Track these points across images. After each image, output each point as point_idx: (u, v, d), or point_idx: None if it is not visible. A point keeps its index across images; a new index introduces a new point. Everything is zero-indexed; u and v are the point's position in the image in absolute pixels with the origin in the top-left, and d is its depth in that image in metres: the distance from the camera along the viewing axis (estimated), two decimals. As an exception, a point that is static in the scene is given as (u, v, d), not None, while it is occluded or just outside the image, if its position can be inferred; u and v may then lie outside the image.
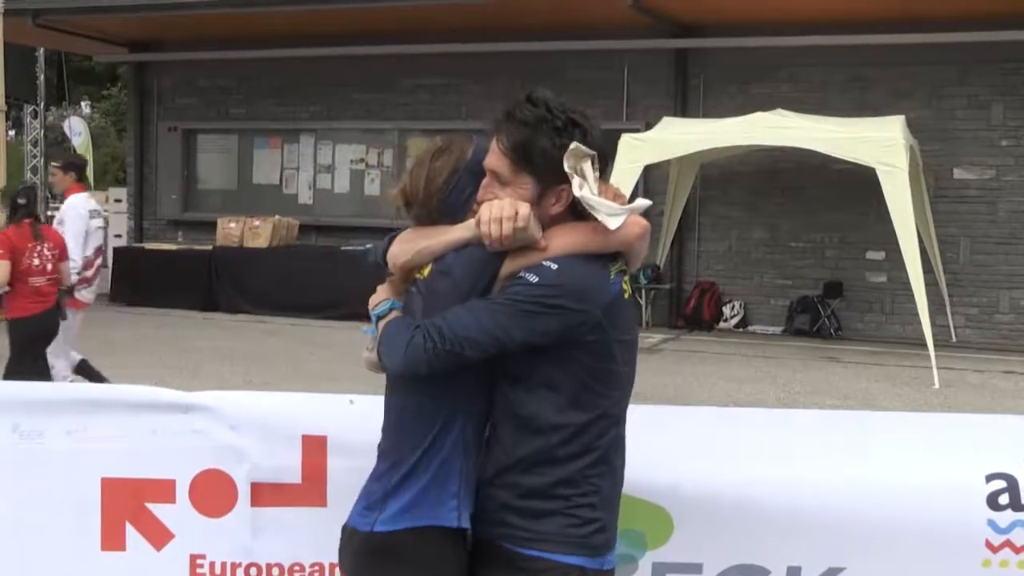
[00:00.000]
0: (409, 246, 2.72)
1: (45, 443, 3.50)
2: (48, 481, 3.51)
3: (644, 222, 2.69)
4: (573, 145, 2.57)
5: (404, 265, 2.72)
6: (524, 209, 2.55)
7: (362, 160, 17.31)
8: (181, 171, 18.25)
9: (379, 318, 2.73)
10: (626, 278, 2.68)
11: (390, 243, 2.80)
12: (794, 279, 15.01)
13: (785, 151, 13.59)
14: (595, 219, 2.62)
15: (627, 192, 2.80)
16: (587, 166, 2.59)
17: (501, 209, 2.55)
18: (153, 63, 18.55)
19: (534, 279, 2.55)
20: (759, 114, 12.63)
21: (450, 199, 2.72)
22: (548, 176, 2.59)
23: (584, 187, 2.59)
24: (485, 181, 2.67)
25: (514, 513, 2.63)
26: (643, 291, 14.70)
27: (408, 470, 2.67)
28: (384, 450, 2.76)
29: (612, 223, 2.60)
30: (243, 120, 18.04)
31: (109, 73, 35.34)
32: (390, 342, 2.65)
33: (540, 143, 2.57)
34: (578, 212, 2.65)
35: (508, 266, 2.60)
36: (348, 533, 2.77)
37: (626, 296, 2.67)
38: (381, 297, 2.78)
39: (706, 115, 14.72)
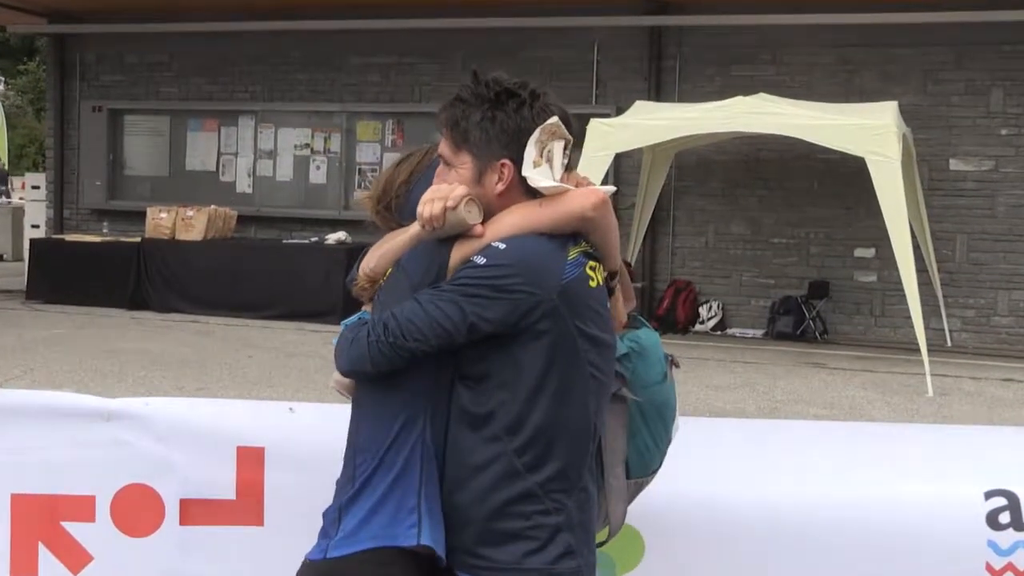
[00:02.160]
0: (375, 253, 2.82)
1: (-52, 455, 3.45)
2: (-49, 497, 3.46)
3: (601, 192, 2.69)
4: (552, 119, 2.64)
5: (369, 274, 2.80)
6: (459, 191, 2.61)
7: (307, 145, 17.22)
8: (106, 155, 18.08)
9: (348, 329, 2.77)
10: (593, 264, 2.67)
11: (363, 257, 2.89)
12: (776, 278, 15.08)
13: (767, 139, 13.64)
14: None
15: (596, 183, 2.81)
16: (557, 148, 2.64)
17: (436, 191, 2.63)
18: (75, 35, 18.35)
19: (481, 261, 2.59)
20: (739, 98, 12.65)
21: (411, 197, 2.82)
22: (486, 152, 2.64)
23: (540, 168, 2.62)
24: (439, 169, 2.74)
25: (471, 537, 2.61)
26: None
27: (362, 483, 2.64)
28: (343, 465, 2.73)
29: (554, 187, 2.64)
30: (175, 100, 17.90)
31: (26, 46, 35.01)
32: (340, 344, 2.70)
33: (473, 116, 2.64)
34: (535, 197, 2.68)
35: (456, 254, 2.64)
36: (303, 565, 2.71)
37: (593, 284, 2.65)
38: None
39: (682, 99, 14.75)
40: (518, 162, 2.62)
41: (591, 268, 2.65)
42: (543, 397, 2.58)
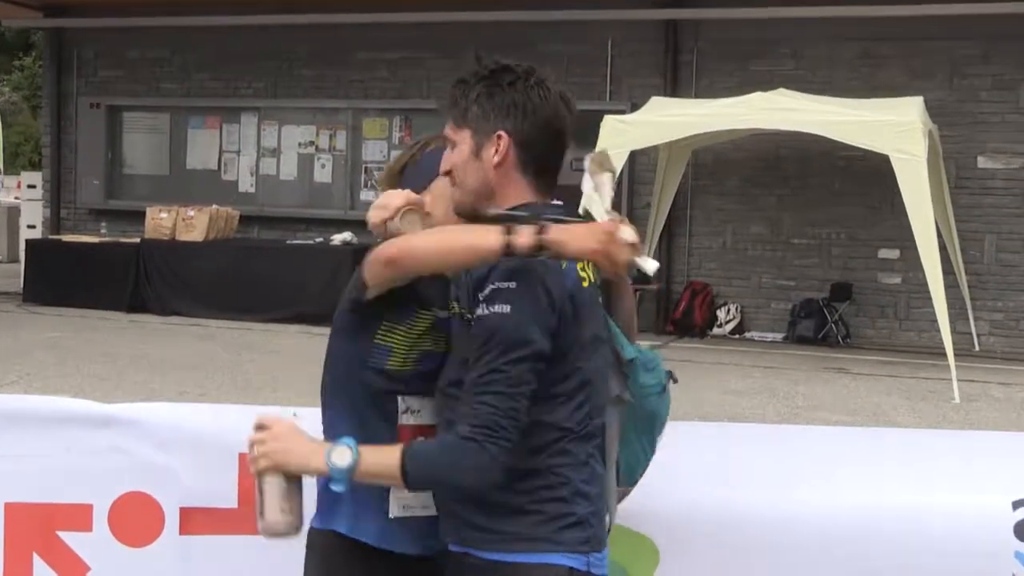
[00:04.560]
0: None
1: (-59, 462, 3.45)
2: (-56, 506, 3.46)
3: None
4: (599, 150, 2.90)
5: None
6: (396, 201, 2.83)
7: (311, 143, 17.25)
8: (105, 153, 18.14)
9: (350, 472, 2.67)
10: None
11: None
12: (797, 280, 15.06)
13: (787, 136, 13.63)
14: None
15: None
16: (606, 179, 2.86)
17: (382, 198, 2.86)
18: (73, 29, 18.41)
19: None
20: (758, 94, 12.66)
21: (421, 166, 3.02)
22: (483, 126, 2.81)
23: (595, 189, 2.86)
24: (444, 153, 2.90)
25: (478, 513, 2.68)
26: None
27: None
28: None
29: (648, 267, 2.72)
30: (176, 96, 17.95)
31: (21, 41, 35.10)
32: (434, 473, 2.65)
33: (471, 94, 2.83)
34: (530, 170, 2.81)
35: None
36: None
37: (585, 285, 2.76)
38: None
39: (699, 95, 14.75)
40: (513, 135, 2.77)
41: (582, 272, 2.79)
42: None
